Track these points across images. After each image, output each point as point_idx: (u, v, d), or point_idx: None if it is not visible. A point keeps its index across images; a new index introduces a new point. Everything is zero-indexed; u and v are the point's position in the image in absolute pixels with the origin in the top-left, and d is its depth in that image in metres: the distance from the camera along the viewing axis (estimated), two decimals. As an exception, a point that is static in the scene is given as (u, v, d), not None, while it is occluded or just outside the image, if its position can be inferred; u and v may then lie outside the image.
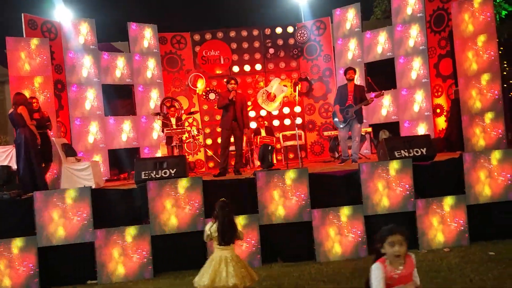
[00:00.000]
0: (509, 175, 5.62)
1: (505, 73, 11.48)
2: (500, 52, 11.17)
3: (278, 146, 8.98)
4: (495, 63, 7.27)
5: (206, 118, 10.24)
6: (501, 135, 7.10)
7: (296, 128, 7.29)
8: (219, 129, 9.92)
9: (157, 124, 9.48)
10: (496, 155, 5.67)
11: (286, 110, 10.40)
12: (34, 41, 7.66)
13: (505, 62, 11.41)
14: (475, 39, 7.37)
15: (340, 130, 7.47)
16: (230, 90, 7.07)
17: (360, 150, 8.46)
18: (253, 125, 10.12)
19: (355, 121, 7.28)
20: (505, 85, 11.46)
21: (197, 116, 10.18)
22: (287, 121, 10.31)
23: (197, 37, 10.40)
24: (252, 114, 10.33)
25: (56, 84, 8.40)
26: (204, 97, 10.12)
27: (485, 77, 7.26)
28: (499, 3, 10.99)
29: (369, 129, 8.89)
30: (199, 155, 9.94)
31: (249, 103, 10.33)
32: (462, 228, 5.55)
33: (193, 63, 10.37)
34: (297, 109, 10.19)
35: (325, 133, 9.32)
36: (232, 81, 7.12)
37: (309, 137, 10.41)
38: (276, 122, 10.49)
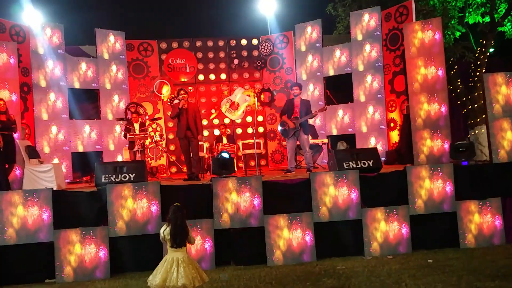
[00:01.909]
0: (448, 188, 6.11)
1: (458, 90, 12.15)
2: (454, 71, 11.98)
3: (239, 153, 9.29)
4: (442, 81, 7.84)
5: (170, 124, 10.45)
6: (445, 150, 7.64)
7: (255, 137, 7.64)
8: (171, 136, 10.20)
9: (118, 128, 9.62)
10: (437, 168, 6.17)
11: (249, 119, 10.75)
12: (2, 44, 7.71)
13: (459, 80, 12.10)
14: (423, 58, 7.94)
15: (288, 141, 7.91)
16: (180, 100, 7.42)
17: (316, 160, 8.92)
18: (216, 132, 10.42)
19: (301, 133, 7.73)
20: (459, 102, 12.17)
21: (161, 122, 10.39)
22: (249, 130, 10.65)
23: (163, 45, 10.64)
24: (215, 121, 10.63)
25: (22, 87, 8.43)
26: (169, 103, 10.34)
27: (432, 96, 7.82)
28: (452, 25, 11.68)
29: (325, 140, 9.33)
30: (161, 160, 10.13)
31: (212, 110, 10.62)
32: (405, 237, 5.99)
33: (159, 70, 10.58)
34: (259, 118, 10.55)
35: (284, 143, 9.72)
36: (182, 92, 7.57)
37: (270, 146, 10.79)
38: (239, 130, 10.83)
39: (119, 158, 9.49)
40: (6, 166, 7.02)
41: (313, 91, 10.19)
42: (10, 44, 7.87)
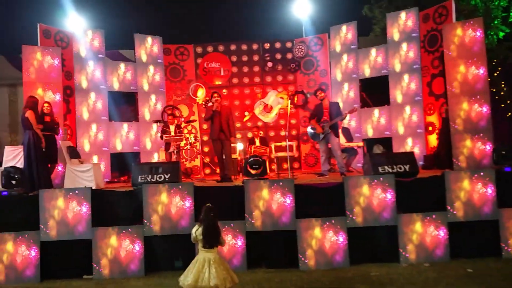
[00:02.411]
0: (489, 194, 5.87)
1: (502, 93, 11.70)
2: (497, 73, 11.52)
3: (272, 156, 9.28)
4: (483, 83, 7.51)
5: (205, 126, 10.58)
6: (487, 155, 7.32)
7: (287, 140, 7.62)
8: (205, 138, 10.30)
9: (154, 130, 9.83)
10: (478, 174, 5.94)
11: (282, 121, 10.74)
12: (47, 49, 8.14)
13: (503, 82, 11.64)
14: (463, 58, 7.63)
15: (320, 145, 7.84)
16: (213, 102, 7.51)
17: (350, 164, 8.79)
18: (249, 134, 10.47)
19: (331, 136, 7.65)
20: (502, 105, 11.70)
21: (196, 124, 10.54)
22: (282, 132, 10.62)
23: (199, 49, 10.81)
24: (249, 124, 10.70)
25: (65, 90, 8.83)
26: (204, 106, 10.48)
27: (473, 97, 7.50)
28: (496, 25, 11.24)
29: (361, 143, 9.18)
30: (196, 161, 10.27)
31: (246, 113, 10.68)
32: (443, 244, 5.80)
33: (194, 74, 10.76)
34: (293, 121, 10.52)
35: (317, 145, 9.64)
36: (216, 94, 7.67)
37: (304, 148, 10.73)
38: (272, 133, 10.84)
39: (156, 159, 9.70)
40: (49, 165, 7.33)
41: (348, 93, 10.05)
42: (55, 49, 8.27)
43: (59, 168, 7.74)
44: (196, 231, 4.23)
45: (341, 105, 8.82)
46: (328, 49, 10.58)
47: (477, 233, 5.92)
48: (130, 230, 5.79)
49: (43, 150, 7.03)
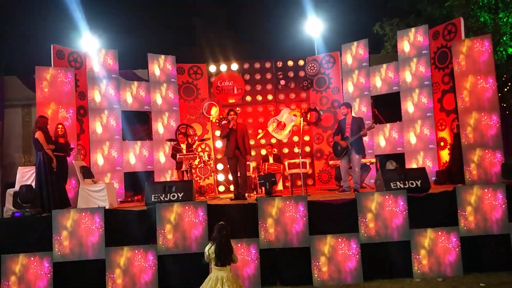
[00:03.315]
0: (500, 209, 5.85)
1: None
2: (507, 88, 11.49)
3: (286, 173, 9.32)
4: (493, 99, 7.55)
5: (219, 145, 10.70)
6: (497, 169, 7.30)
7: (300, 157, 7.66)
8: (219, 156, 10.39)
9: (167, 149, 9.95)
10: (489, 188, 5.93)
11: (295, 138, 10.80)
12: (61, 70, 8.34)
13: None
14: (473, 74, 7.69)
15: (340, 161, 7.84)
16: (230, 120, 7.60)
17: (363, 180, 8.78)
18: (262, 152, 10.54)
19: (353, 152, 7.65)
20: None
21: (210, 142, 10.67)
22: (296, 149, 10.67)
23: (212, 68, 11.00)
24: (262, 141, 10.78)
25: (79, 110, 9.02)
26: (218, 124, 10.62)
27: (482, 111, 7.53)
28: (505, 41, 11.26)
29: (373, 160, 9.17)
30: (210, 179, 10.36)
31: (259, 130, 10.78)
32: (456, 259, 5.77)
33: (208, 93, 10.94)
34: (306, 138, 10.57)
35: (331, 162, 9.67)
36: (232, 112, 7.74)
37: (317, 165, 10.75)
38: (285, 150, 10.90)
39: (169, 178, 9.80)
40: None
41: (360, 110, 10.10)
42: (68, 69, 8.48)
43: (70, 186, 7.87)
44: (209, 250, 4.28)
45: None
46: (340, 66, 10.69)
47: (490, 247, 5.88)
48: (143, 249, 5.84)
49: (55, 170, 7.12)
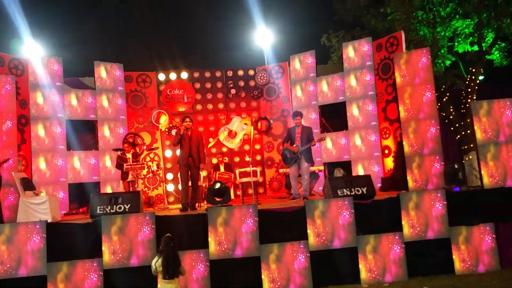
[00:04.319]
0: (441, 213, 6.17)
1: (451, 117, 12.34)
2: (445, 98, 12.20)
3: (237, 181, 9.33)
4: (432, 106, 7.97)
5: (168, 154, 10.54)
6: (439, 175, 7.70)
7: (251, 165, 7.70)
8: (168, 165, 10.26)
9: (110, 160, 9.68)
10: (429, 194, 6.24)
11: (246, 147, 10.85)
12: (0, 77, 7.90)
13: (451, 107, 12.29)
14: (413, 84, 8.13)
15: (290, 168, 7.97)
16: (185, 126, 7.43)
17: (312, 187, 8.96)
18: (213, 161, 10.50)
19: (303, 161, 7.79)
20: (452, 128, 12.34)
21: (159, 151, 10.48)
22: (247, 158, 10.71)
23: (162, 76, 10.85)
24: (213, 150, 10.75)
25: (20, 119, 8.57)
26: (167, 133, 10.46)
27: (422, 120, 7.95)
28: (442, 54, 11.95)
29: (321, 167, 9.39)
30: (159, 189, 10.16)
31: (210, 139, 10.74)
32: (401, 263, 6.00)
33: (157, 101, 10.76)
34: (257, 146, 10.65)
35: (281, 170, 9.79)
36: (187, 119, 7.53)
37: (268, 173, 10.85)
38: (236, 159, 10.92)
39: (117, 190, 9.50)
40: None
41: (308, 119, 10.32)
42: (8, 76, 8.05)
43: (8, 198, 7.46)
44: (156, 263, 4.21)
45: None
46: (289, 76, 10.89)
47: (432, 251, 6.17)
48: (88, 263, 5.63)
49: None
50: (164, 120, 10.59)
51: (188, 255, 5.72)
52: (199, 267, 5.75)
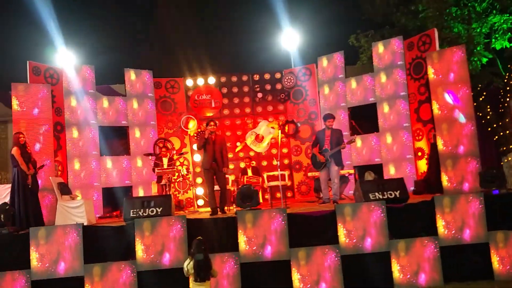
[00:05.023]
0: (478, 217, 5.94)
1: (488, 117, 11.91)
2: (482, 97, 11.78)
3: (265, 185, 9.31)
4: (466, 106, 7.67)
5: (197, 159, 10.63)
6: (475, 178, 7.39)
7: (279, 169, 7.67)
8: (197, 170, 10.31)
9: (141, 163, 9.84)
10: (467, 197, 6.03)
11: (274, 151, 10.81)
12: (37, 86, 8.22)
13: (488, 107, 11.86)
14: (448, 84, 7.83)
15: (320, 172, 7.87)
16: (209, 129, 7.48)
17: (342, 191, 8.82)
18: (241, 165, 10.51)
19: (332, 164, 7.69)
20: (489, 129, 11.90)
21: (188, 156, 10.58)
22: (275, 162, 10.66)
23: (189, 82, 10.97)
24: (241, 154, 10.76)
25: (56, 126, 8.86)
26: (195, 138, 10.56)
27: (456, 119, 7.65)
28: (479, 51, 11.56)
29: (351, 171, 9.24)
30: (188, 193, 10.25)
31: (237, 143, 10.76)
32: (436, 268, 5.82)
33: (185, 106, 10.88)
34: (285, 150, 10.60)
35: (309, 174, 9.70)
36: (211, 123, 7.58)
37: (296, 177, 10.77)
38: (264, 163, 10.90)
39: (148, 193, 9.67)
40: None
41: (337, 121, 10.17)
42: (44, 85, 8.35)
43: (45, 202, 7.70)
44: (188, 265, 4.23)
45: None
46: (317, 78, 10.79)
47: (469, 256, 5.95)
48: (122, 266, 5.73)
49: (30, 186, 7.02)
50: (192, 125, 10.69)
51: (218, 258, 5.73)
52: (229, 269, 5.75)
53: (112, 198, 9.58)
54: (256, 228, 5.89)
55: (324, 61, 10.58)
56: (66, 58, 9.84)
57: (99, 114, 9.73)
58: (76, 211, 7.27)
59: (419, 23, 12.07)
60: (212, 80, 11.04)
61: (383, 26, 12.71)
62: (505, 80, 11.63)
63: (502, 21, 11.44)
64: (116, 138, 10.26)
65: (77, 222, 6.62)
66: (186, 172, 9.04)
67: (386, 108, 9.65)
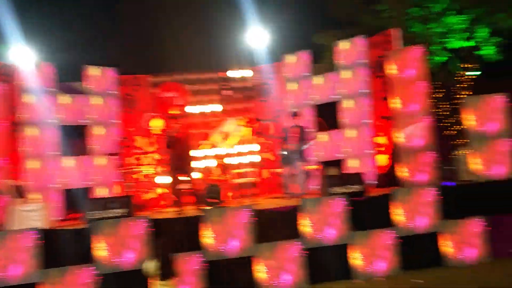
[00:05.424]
0: (434, 208, 6.29)
1: (447, 113, 12.35)
2: (439, 94, 12.21)
3: (233, 183, 9.29)
4: (424, 103, 7.95)
5: (156, 156, 10.43)
6: (432, 171, 7.70)
7: (246, 166, 7.69)
8: (159, 169, 10.18)
9: (106, 163, 9.61)
10: (423, 189, 6.33)
11: (241, 148, 10.78)
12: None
13: (444, 103, 12.30)
14: (407, 82, 8.10)
15: (285, 168, 7.95)
16: (171, 130, 7.50)
17: (307, 186, 8.91)
18: (208, 163, 10.42)
19: (297, 160, 7.79)
20: (448, 124, 12.35)
21: (153, 155, 10.37)
22: (242, 159, 10.66)
23: (154, 79, 10.79)
24: (208, 152, 10.66)
25: (11, 125, 8.50)
26: (160, 136, 10.38)
27: (415, 115, 7.94)
28: (435, 50, 11.96)
29: (316, 166, 9.35)
30: (153, 193, 10.05)
31: (204, 141, 10.66)
32: (394, 257, 6.12)
33: (150, 104, 10.68)
34: (253, 147, 10.59)
35: (276, 170, 9.73)
36: (175, 121, 7.63)
37: (264, 174, 10.77)
38: (231, 160, 10.84)
39: (110, 193, 9.42)
40: None
41: (303, 118, 10.26)
42: (-1, 84, 8.00)
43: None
44: (150, 265, 4.16)
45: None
46: (282, 76, 10.84)
47: (425, 245, 6.28)
48: (82, 269, 5.57)
49: None
50: (156, 123, 10.51)
51: (183, 257, 5.66)
52: (194, 268, 5.70)
53: (73, 199, 9.24)
54: (221, 226, 5.86)
55: (289, 60, 10.63)
56: (22, 55, 9.40)
57: (59, 113, 9.37)
58: (32, 214, 6.94)
59: (380, 23, 12.37)
60: (178, 77, 10.88)
61: (347, 25, 12.92)
62: (460, 78, 12.11)
63: (457, 21, 11.90)
64: (76, 138, 9.90)
65: (34, 225, 6.36)
66: (150, 172, 8.88)
67: (348, 104, 9.78)
